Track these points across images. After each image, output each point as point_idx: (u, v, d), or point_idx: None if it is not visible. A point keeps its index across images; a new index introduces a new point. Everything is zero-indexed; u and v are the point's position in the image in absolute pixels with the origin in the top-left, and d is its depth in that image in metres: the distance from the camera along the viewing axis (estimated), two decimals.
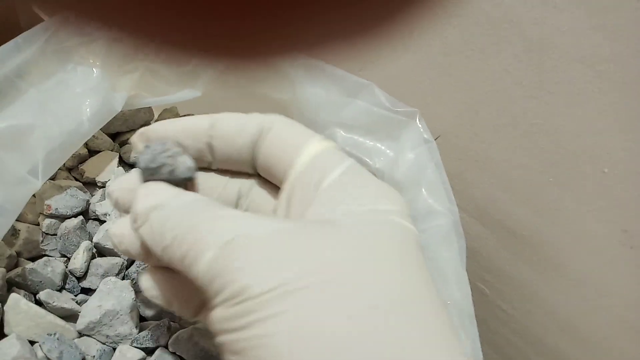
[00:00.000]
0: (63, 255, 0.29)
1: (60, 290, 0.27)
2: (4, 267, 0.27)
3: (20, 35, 0.29)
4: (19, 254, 0.29)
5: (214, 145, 0.20)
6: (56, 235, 0.29)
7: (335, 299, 0.14)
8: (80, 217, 0.31)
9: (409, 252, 0.17)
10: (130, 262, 0.30)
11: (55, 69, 0.31)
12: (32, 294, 0.27)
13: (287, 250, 0.15)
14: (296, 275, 0.15)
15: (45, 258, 0.28)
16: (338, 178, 0.18)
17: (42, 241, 0.29)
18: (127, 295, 0.26)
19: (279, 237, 0.16)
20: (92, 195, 0.32)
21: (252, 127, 0.20)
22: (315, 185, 0.18)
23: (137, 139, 0.21)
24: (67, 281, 0.28)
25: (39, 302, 0.26)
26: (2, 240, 0.28)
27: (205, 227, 0.16)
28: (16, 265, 0.28)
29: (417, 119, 0.31)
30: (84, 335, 0.26)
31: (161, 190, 0.18)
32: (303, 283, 0.14)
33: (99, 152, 0.34)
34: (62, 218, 0.30)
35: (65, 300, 0.25)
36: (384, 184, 0.19)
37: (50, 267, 0.27)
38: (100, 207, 0.30)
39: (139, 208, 0.18)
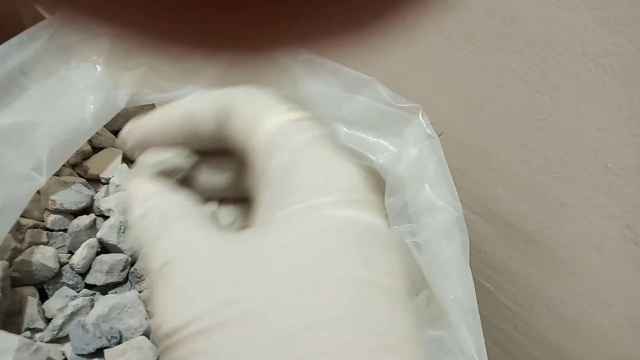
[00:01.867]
0: (70, 252, 0.29)
1: (58, 275, 0.27)
2: (7, 260, 0.27)
3: (23, 32, 0.29)
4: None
5: (193, 135, 0.18)
6: (61, 231, 0.30)
7: (254, 330, 0.13)
8: (93, 216, 0.30)
9: (349, 253, 0.14)
10: (135, 259, 0.30)
11: (58, 66, 0.31)
12: (39, 289, 0.27)
13: (209, 279, 0.14)
14: (213, 307, 0.13)
15: (31, 247, 0.28)
16: (284, 163, 0.15)
17: (48, 242, 0.29)
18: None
19: (206, 263, 0.14)
20: (97, 192, 0.32)
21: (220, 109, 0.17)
22: (260, 173, 0.16)
23: (133, 149, 0.19)
24: (70, 277, 0.28)
25: (45, 296, 0.26)
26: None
27: (150, 246, 0.15)
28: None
29: (420, 115, 0.31)
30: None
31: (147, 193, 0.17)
32: (218, 318, 0.13)
33: (102, 149, 0.34)
34: (68, 213, 0.30)
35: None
36: (340, 164, 0.16)
37: (40, 254, 0.27)
38: (104, 203, 0.30)
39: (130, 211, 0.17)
